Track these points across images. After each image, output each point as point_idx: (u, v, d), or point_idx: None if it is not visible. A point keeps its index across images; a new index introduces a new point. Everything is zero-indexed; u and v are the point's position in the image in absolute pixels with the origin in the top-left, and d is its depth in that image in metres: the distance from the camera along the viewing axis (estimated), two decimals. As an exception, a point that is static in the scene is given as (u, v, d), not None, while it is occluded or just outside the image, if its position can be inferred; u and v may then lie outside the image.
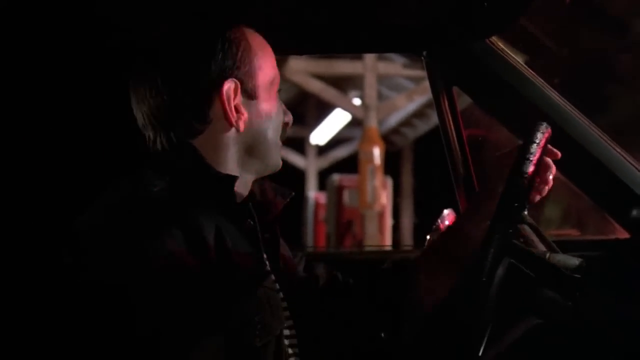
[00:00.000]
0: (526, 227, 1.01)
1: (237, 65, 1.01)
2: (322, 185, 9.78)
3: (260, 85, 1.05)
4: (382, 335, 1.16)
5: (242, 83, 1.02)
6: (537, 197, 1.11)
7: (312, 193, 9.65)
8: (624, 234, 1.31)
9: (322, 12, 1.23)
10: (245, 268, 0.98)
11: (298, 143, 10.61)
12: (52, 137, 1.30)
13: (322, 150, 10.93)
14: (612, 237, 1.36)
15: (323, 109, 9.50)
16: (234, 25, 1.04)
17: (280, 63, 7.02)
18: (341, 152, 10.56)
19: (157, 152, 1.03)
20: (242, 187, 1.06)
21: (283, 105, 1.11)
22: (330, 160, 10.65)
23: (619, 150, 1.31)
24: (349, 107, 8.16)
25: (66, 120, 1.31)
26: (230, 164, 1.04)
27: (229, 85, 1.01)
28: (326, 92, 7.87)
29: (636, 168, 1.29)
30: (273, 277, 1.06)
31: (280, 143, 1.10)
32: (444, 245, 1.18)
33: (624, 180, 1.27)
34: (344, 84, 8.40)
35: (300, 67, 7.61)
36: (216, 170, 1.02)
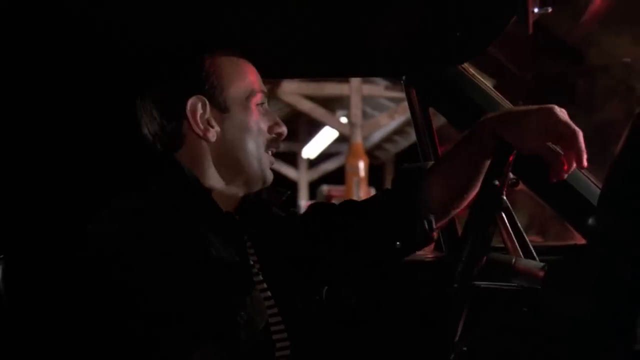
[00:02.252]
0: (501, 220, 0.99)
1: (202, 83, 1.01)
2: (312, 195, 9.77)
3: (231, 99, 1.03)
4: (398, 244, 1.11)
5: (210, 98, 1.02)
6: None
7: (303, 202, 9.63)
8: (581, 240, 1.32)
9: (313, 40, 1.24)
10: (228, 272, 0.97)
11: (291, 157, 10.61)
12: (54, 139, 1.28)
13: (312, 163, 10.93)
14: (571, 243, 1.37)
15: (313, 127, 9.51)
16: (204, 50, 1.04)
17: (275, 85, 6.99)
18: (330, 165, 10.57)
19: (149, 166, 1.03)
20: (228, 200, 1.04)
21: (277, 118, 1.08)
22: (320, 173, 10.65)
23: (576, 165, 1.32)
24: (336, 125, 8.18)
25: (68, 123, 1.29)
26: (212, 175, 1.02)
27: (192, 101, 1.01)
28: (316, 111, 7.89)
29: (591, 181, 1.30)
30: (259, 275, 1.05)
31: (267, 155, 1.06)
32: (453, 151, 1.12)
33: (581, 191, 1.28)
34: (332, 104, 8.42)
35: (293, 89, 7.63)
36: (195, 183, 1.00)
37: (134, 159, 1.10)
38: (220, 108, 1.02)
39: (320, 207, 1.19)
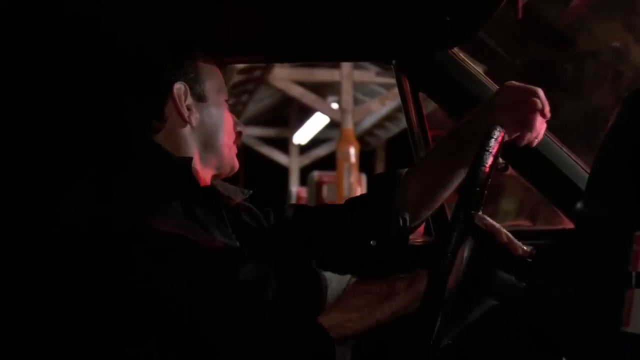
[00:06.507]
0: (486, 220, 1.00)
1: (184, 72, 1.08)
2: (303, 181, 9.76)
3: (208, 91, 1.10)
4: (372, 243, 1.14)
5: (191, 87, 1.08)
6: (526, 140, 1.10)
7: (295, 188, 9.63)
8: (570, 225, 1.33)
9: (304, 25, 1.23)
10: (218, 243, 0.99)
11: (282, 143, 10.58)
12: (33, 133, 1.27)
13: (303, 149, 10.91)
14: (560, 227, 1.38)
15: (304, 113, 9.48)
16: (181, 44, 1.10)
17: (265, 71, 6.97)
18: (321, 151, 10.55)
19: (124, 149, 1.05)
20: (202, 179, 1.08)
21: (235, 117, 1.15)
22: (311, 159, 10.64)
23: (565, 149, 1.32)
24: (327, 111, 8.15)
25: (48, 117, 1.28)
26: (189, 156, 1.06)
27: (178, 87, 1.07)
28: (307, 97, 7.86)
29: (580, 166, 1.31)
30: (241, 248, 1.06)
31: (234, 148, 1.13)
32: (423, 162, 1.18)
33: (570, 176, 1.29)
34: (323, 90, 8.39)
35: (284, 75, 7.59)
36: (173, 156, 1.04)
37: (103, 143, 1.10)
38: (199, 97, 1.09)
39: (295, 208, 1.23)
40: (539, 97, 1.08)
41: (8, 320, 1.01)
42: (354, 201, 1.20)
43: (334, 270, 1.22)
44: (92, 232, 0.91)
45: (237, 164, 1.14)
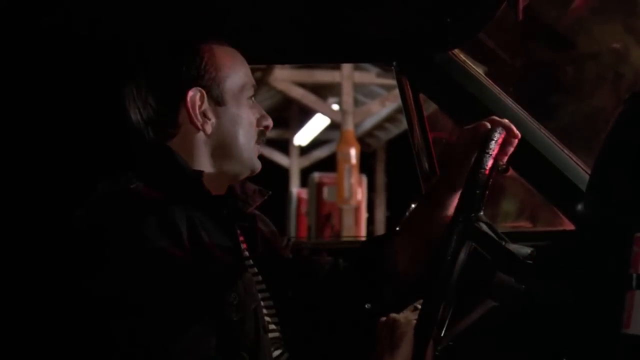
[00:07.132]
0: (482, 225, 1.01)
1: (201, 75, 1.03)
2: (304, 182, 9.76)
3: (227, 92, 1.05)
4: (367, 306, 1.14)
5: (208, 91, 1.04)
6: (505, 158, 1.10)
7: (295, 189, 9.62)
8: (570, 226, 1.33)
9: (306, 27, 1.23)
10: (219, 253, 0.98)
11: (282, 144, 10.57)
12: (41, 136, 1.28)
13: (304, 150, 10.90)
14: (560, 228, 1.38)
15: (305, 114, 9.48)
16: (201, 40, 1.05)
17: (266, 72, 6.92)
18: (321, 153, 10.55)
19: (138, 153, 1.04)
20: (218, 186, 1.05)
21: (263, 111, 1.10)
22: (312, 160, 10.63)
23: (565, 150, 1.33)
24: (328, 112, 8.15)
25: (56, 119, 1.28)
26: (203, 164, 1.04)
27: (192, 93, 1.02)
28: (307, 98, 7.86)
29: (580, 167, 1.31)
30: (250, 260, 1.07)
31: (256, 146, 1.09)
32: (412, 220, 1.18)
33: (570, 177, 1.29)
34: (324, 91, 8.39)
35: (285, 76, 7.59)
36: (186, 167, 1.02)
37: (118, 147, 1.10)
38: (217, 101, 1.04)
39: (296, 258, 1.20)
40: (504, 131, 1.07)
41: (8, 321, 1.02)
42: (346, 268, 1.19)
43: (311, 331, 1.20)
44: (90, 235, 0.92)
45: (258, 166, 1.09)
